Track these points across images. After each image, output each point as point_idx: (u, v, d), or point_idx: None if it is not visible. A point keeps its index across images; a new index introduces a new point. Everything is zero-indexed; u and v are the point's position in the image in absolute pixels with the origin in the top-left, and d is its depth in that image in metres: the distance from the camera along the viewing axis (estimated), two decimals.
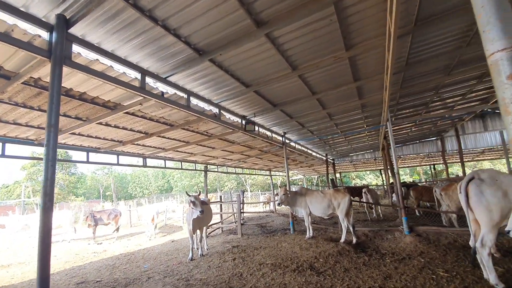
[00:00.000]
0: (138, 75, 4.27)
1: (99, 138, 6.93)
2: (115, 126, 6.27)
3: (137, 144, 8.09)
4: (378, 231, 8.37)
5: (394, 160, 8.06)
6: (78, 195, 36.92)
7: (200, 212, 6.00)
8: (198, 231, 7.25)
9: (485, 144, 17.15)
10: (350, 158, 21.29)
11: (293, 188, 8.52)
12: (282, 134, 10.19)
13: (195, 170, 12.27)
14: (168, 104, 4.85)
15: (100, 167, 47.08)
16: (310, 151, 15.20)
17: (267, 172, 20.74)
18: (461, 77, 7.35)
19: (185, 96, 5.27)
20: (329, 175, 18.94)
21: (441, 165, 24.79)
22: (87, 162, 7.64)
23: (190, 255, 6.66)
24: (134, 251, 9.55)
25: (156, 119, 6.25)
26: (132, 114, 5.70)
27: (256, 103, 6.97)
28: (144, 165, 9.42)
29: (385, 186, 14.49)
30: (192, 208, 6.28)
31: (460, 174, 28.61)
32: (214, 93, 6.02)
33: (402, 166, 24.02)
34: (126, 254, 9.02)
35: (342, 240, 7.43)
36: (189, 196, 6.48)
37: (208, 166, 12.54)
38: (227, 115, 6.99)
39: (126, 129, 6.53)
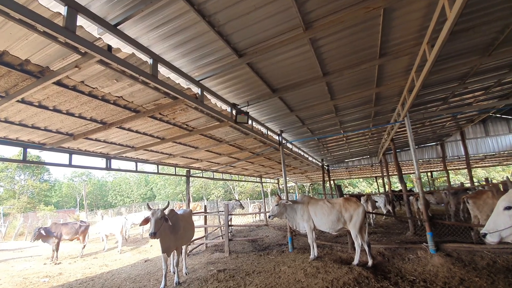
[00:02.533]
0: (63, 9, 2.59)
1: (39, 128, 5.12)
2: (55, 109, 4.49)
3: (96, 140, 6.30)
4: (396, 249, 6.91)
5: (415, 163, 6.75)
6: (50, 204, 33.82)
7: (151, 234, 4.35)
8: (175, 251, 5.54)
9: (487, 150, 16.32)
10: (346, 164, 20.24)
11: (284, 197, 7.01)
12: (279, 132, 8.74)
13: (175, 175, 10.51)
14: (122, 68, 3.19)
15: (78, 173, 44.08)
16: (306, 155, 13.77)
17: (258, 179, 19.24)
18: (498, 61, 6.11)
19: (150, 61, 3.63)
20: (325, 182, 17.67)
21: (435, 172, 23.98)
22: (24, 161, 5.74)
23: (163, 283, 5.49)
24: (95, 274, 7.70)
25: (113, 100, 4.53)
26: (74, 88, 3.96)
27: (250, 85, 5.53)
28: (108, 168, 7.58)
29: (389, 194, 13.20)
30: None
31: (457, 182, 28.07)
32: (194, 65, 4.45)
33: (395, 174, 23.06)
34: (83, 280, 7.18)
35: (356, 262, 5.99)
36: (150, 209, 4.74)
37: (191, 171, 10.84)
38: (213, 100, 5.39)
39: (72, 115, 4.77)
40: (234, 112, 5.90)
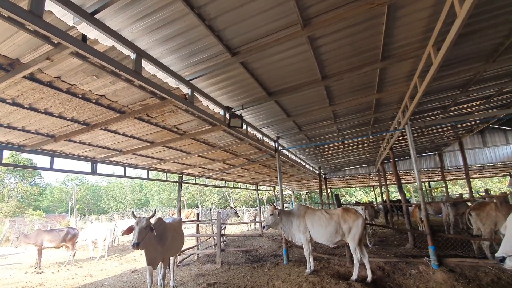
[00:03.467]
0: None
1: (16, 128, 4.74)
2: (32, 108, 4.13)
3: (81, 143, 5.92)
4: (397, 263, 6.54)
5: (416, 173, 6.52)
6: (40, 208, 32.92)
7: (133, 245, 3.96)
8: (162, 263, 5.12)
9: (485, 161, 16.16)
10: (343, 172, 19.98)
11: (280, 206, 6.66)
12: (275, 138, 8.45)
13: (166, 181, 10.12)
14: (101, 62, 2.85)
15: (71, 177, 43.28)
16: (303, 163, 13.46)
17: (253, 186, 18.87)
18: (502, 69, 5.90)
19: (133, 55, 3.30)
20: (322, 190, 17.34)
21: (433, 182, 23.75)
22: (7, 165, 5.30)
23: None
24: (77, 286, 7.18)
25: (95, 99, 4.18)
26: (50, 84, 3.61)
27: (244, 87, 5.23)
28: (94, 173, 7.16)
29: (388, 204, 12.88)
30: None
31: (455, 193, 27.86)
32: (183, 63, 4.15)
33: (393, 183, 22.81)
34: None
35: (354, 277, 5.68)
36: (135, 217, 4.35)
37: (183, 177, 10.44)
38: (205, 102, 5.07)
39: (51, 114, 4.40)
40: (227, 115, 5.59)
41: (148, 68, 3.78)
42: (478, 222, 6.53)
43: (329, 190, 20.19)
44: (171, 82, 4.31)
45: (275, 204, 6.63)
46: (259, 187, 19.85)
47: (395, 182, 10.58)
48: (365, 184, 24.70)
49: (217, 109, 5.56)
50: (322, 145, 11.13)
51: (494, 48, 4.93)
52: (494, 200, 6.47)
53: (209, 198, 37.32)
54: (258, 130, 7.54)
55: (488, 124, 13.36)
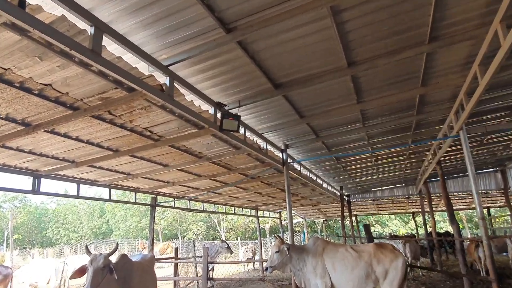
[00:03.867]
0: None
1: None
2: None
3: (19, 150, 5.78)
4: None
5: (475, 195, 6.37)
6: None
7: None
8: None
9: None
10: (373, 194, 19.95)
11: (289, 239, 6.45)
12: (283, 147, 8.40)
13: (135, 203, 9.96)
14: (46, 38, 2.74)
15: (9, 197, 43.01)
16: (319, 180, 13.36)
17: (252, 212, 18.71)
18: None
19: (90, 29, 3.18)
20: (345, 218, 17.16)
21: (493, 209, 23.50)
22: None
23: None
24: None
25: (38, 90, 4.05)
26: None
27: (243, 77, 5.16)
28: (35, 191, 6.99)
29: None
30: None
31: None
32: (160, 42, 4.12)
33: (440, 210, 22.61)
34: None
35: None
36: (89, 254, 4.18)
37: (158, 198, 10.30)
38: (189, 97, 4.96)
39: None
40: (219, 115, 5.48)
41: (112, 48, 3.66)
42: None
43: (354, 218, 19.91)
44: (143, 67, 4.20)
45: (281, 236, 6.44)
46: (260, 212, 19.71)
47: (444, 208, 10.39)
48: (402, 210, 24.48)
49: (205, 106, 5.45)
50: (346, 157, 11.03)
51: None
52: None
53: (193, 227, 36.95)
54: (260, 136, 7.46)
55: None
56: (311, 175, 12.03)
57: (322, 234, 34.83)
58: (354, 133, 8.47)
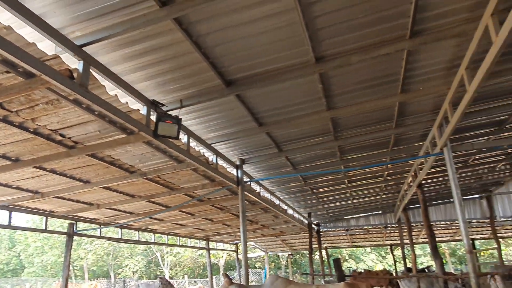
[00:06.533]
0: None
1: None
2: None
3: None
4: None
5: (462, 224, 6.44)
6: None
7: None
8: None
9: None
10: (346, 223, 20.23)
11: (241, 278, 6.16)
12: (238, 163, 8.22)
13: (45, 231, 9.14)
14: None
15: None
16: (283, 205, 13.28)
17: (203, 244, 18.16)
18: None
19: None
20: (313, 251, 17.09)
21: (478, 241, 24.62)
22: None
23: None
24: None
25: None
26: None
27: (186, 69, 4.90)
28: None
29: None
30: None
31: (510, 256, 29.04)
32: (72, 14, 3.75)
33: (421, 241, 23.35)
34: None
35: None
36: None
37: (77, 224, 9.54)
38: (114, 91, 4.57)
39: None
40: (154, 117, 5.08)
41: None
42: None
43: (324, 252, 19.90)
44: (48, 46, 3.75)
45: (229, 275, 6.09)
46: (213, 244, 19.21)
47: (426, 240, 10.55)
48: (379, 242, 24.96)
49: (136, 104, 5.04)
50: (315, 177, 11.03)
51: None
52: None
53: (129, 263, 35.29)
54: (209, 147, 7.21)
55: None
56: (273, 199, 11.88)
57: (287, 271, 34.67)
58: (324, 148, 8.50)
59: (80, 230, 10.00)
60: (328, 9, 4.09)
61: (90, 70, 4.01)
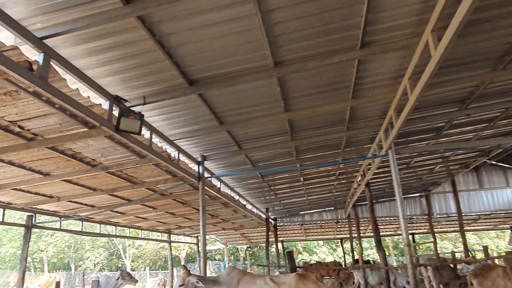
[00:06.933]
0: None
1: None
2: None
3: None
4: None
5: (402, 220, 6.76)
6: None
7: None
8: None
9: (481, 208, 18.20)
10: (301, 218, 20.52)
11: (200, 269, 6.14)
12: (200, 159, 8.06)
13: (3, 223, 8.62)
14: None
15: None
16: (243, 201, 13.29)
17: (165, 237, 17.81)
18: (510, 82, 6.61)
19: None
20: (270, 244, 17.19)
21: (417, 235, 25.81)
22: None
23: None
24: None
25: None
26: None
27: (149, 66, 4.73)
28: None
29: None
30: None
31: (446, 251, 30.63)
32: (33, 5, 3.49)
33: (368, 235, 24.08)
34: None
35: None
36: None
37: (36, 217, 9.05)
38: (76, 85, 4.37)
39: None
40: (116, 112, 4.91)
41: None
42: None
43: (280, 245, 20.14)
44: (7, 37, 3.53)
45: (190, 267, 6.01)
46: (174, 237, 18.88)
47: (372, 234, 10.94)
48: (331, 236, 25.53)
49: (99, 99, 4.85)
50: (273, 175, 11.10)
51: (505, 50, 5.43)
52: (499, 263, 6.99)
53: (90, 255, 33.95)
54: (172, 143, 7.05)
55: (486, 159, 15.16)
56: (233, 194, 11.83)
57: (246, 263, 34.71)
58: (281, 147, 8.55)
59: (39, 223, 9.49)
60: (286, 17, 4.12)
61: (51, 63, 3.81)
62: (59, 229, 10.53)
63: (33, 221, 9.00)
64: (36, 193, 8.28)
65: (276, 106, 6.41)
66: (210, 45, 4.45)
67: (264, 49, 4.61)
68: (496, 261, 11.20)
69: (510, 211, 18.01)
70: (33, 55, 3.74)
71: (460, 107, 7.63)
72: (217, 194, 9.82)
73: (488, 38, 5.10)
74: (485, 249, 13.03)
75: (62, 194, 8.68)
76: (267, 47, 4.52)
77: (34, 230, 9.29)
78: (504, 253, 7.53)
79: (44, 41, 3.71)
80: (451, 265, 11.00)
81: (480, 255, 20.53)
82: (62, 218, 10.42)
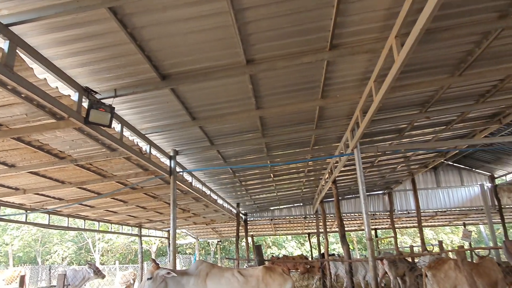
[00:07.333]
0: None
1: None
2: None
3: None
4: None
5: (365, 216, 6.96)
6: None
7: None
8: None
9: (438, 205, 19.00)
10: (271, 213, 20.57)
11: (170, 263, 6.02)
12: (172, 153, 7.94)
13: None
14: None
15: None
16: (214, 196, 13.14)
17: (136, 231, 17.41)
18: (466, 88, 6.88)
19: None
20: (240, 239, 17.18)
21: (378, 230, 26.60)
22: None
23: None
24: None
25: None
26: None
27: (121, 59, 4.55)
28: None
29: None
30: None
31: (405, 245, 31.69)
32: None
33: (334, 230, 24.55)
34: None
35: None
36: None
37: (1, 208, 8.61)
38: (44, 74, 4.16)
39: None
40: (86, 104, 4.72)
41: None
42: (435, 286, 7.15)
43: (250, 239, 20.11)
44: None
45: (161, 260, 5.89)
46: (145, 231, 18.50)
47: (337, 229, 11.15)
48: (299, 231, 25.82)
49: (68, 90, 4.64)
50: (244, 170, 11.05)
51: (462, 57, 5.63)
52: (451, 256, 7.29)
53: (58, 249, 32.69)
54: (143, 137, 6.85)
55: (443, 160, 15.82)
56: (204, 189, 11.67)
57: (216, 256, 34.57)
58: (252, 143, 8.50)
59: (4, 215, 9.02)
60: (259, 17, 4.08)
61: (17, 51, 3.61)
62: (25, 222, 10.02)
63: None
64: (1, 185, 7.85)
65: (247, 103, 6.35)
66: (182, 40, 4.35)
67: (236, 47, 4.56)
68: (450, 254, 11.74)
69: (464, 209, 18.91)
70: None
71: (421, 110, 7.86)
72: (188, 189, 9.69)
73: (447, 46, 5.27)
74: (440, 243, 13.59)
75: (28, 187, 8.26)
76: (240, 45, 4.47)
77: None
78: (456, 247, 7.85)
79: (10, 28, 3.50)
80: (409, 259, 11.37)
81: (435, 249, 21.39)
82: (28, 211, 9.95)
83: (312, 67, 5.36)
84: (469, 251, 13.90)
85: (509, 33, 5.05)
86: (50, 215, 10.97)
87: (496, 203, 16.66)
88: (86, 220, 13.34)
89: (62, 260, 31.89)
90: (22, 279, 9.00)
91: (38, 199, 9.44)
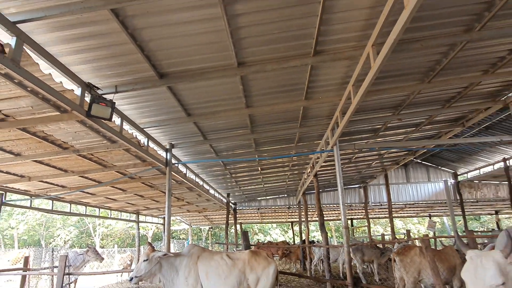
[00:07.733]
0: None
1: None
2: None
3: None
4: None
5: (342, 207, 7.07)
6: None
7: None
8: None
9: (407, 198, 19.27)
10: (258, 203, 20.54)
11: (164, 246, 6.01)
12: (168, 146, 7.82)
13: None
14: None
15: None
16: (206, 186, 13.08)
17: (133, 217, 17.20)
18: (434, 93, 6.99)
19: None
20: (230, 225, 17.16)
21: (354, 220, 26.91)
22: None
23: None
24: None
25: None
26: None
27: (122, 57, 4.49)
28: None
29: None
30: None
31: (378, 233, 32.15)
32: None
33: (314, 220, 24.75)
34: None
35: None
36: None
37: (6, 195, 8.41)
38: (49, 70, 4.08)
39: None
40: (88, 98, 4.64)
41: None
42: (402, 270, 7.26)
43: (239, 226, 20.22)
44: None
45: (156, 244, 5.85)
46: (142, 217, 18.32)
47: (317, 218, 11.23)
48: (283, 220, 25.92)
49: (71, 85, 4.55)
50: (234, 164, 11.02)
51: (431, 66, 5.71)
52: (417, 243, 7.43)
53: (61, 233, 32.16)
54: (142, 131, 6.75)
55: (412, 158, 16.07)
56: (197, 180, 11.62)
57: (208, 241, 34.50)
58: (242, 139, 8.47)
59: (10, 201, 8.81)
60: (250, 23, 4.07)
61: (24, 47, 3.53)
62: (30, 207, 9.80)
63: (3, 199, 8.36)
64: (7, 172, 7.63)
65: (238, 102, 6.32)
66: (179, 42, 4.30)
67: (229, 50, 4.54)
68: (416, 242, 11.99)
69: (430, 202, 19.27)
70: (6, 38, 3.45)
71: (394, 113, 7.96)
72: (183, 179, 9.61)
73: (418, 55, 5.35)
74: (408, 232, 13.83)
75: (33, 174, 8.07)
76: (232, 48, 4.45)
77: (5, 208, 8.65)
78: (422, 236, 7.99)
79: (17, 25, 3.42)
80: (379, 245, 11.53)
81: (403, 237, 21.77)
82: (32, 197, 9.74)
83: (298, 71, 5.37)
84: (433, 239, 14.18)
85: (473, 45, 5.15)
86: (54, 201, 10.74)
87: (458, 198, 17.17)
88: (87, 207, 13.11)
89: (65, 243, 31.36)
90: (26, 260, 8.78)
91: (42, 186, 9.24)
